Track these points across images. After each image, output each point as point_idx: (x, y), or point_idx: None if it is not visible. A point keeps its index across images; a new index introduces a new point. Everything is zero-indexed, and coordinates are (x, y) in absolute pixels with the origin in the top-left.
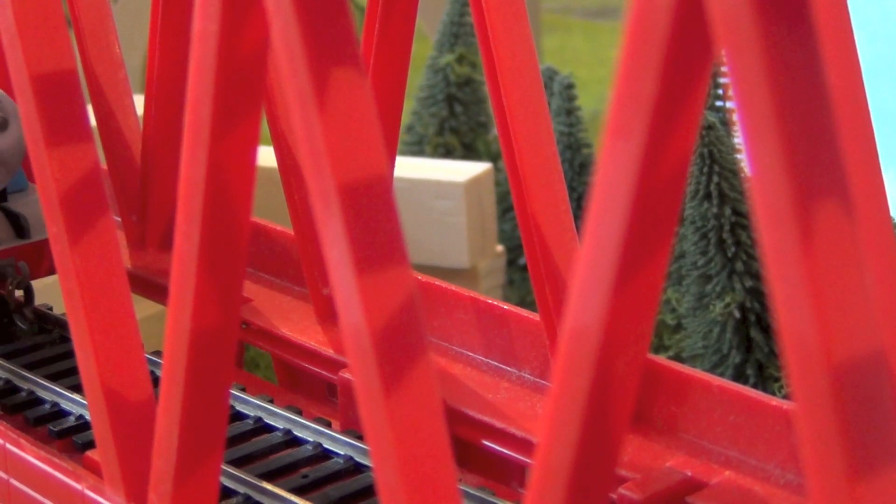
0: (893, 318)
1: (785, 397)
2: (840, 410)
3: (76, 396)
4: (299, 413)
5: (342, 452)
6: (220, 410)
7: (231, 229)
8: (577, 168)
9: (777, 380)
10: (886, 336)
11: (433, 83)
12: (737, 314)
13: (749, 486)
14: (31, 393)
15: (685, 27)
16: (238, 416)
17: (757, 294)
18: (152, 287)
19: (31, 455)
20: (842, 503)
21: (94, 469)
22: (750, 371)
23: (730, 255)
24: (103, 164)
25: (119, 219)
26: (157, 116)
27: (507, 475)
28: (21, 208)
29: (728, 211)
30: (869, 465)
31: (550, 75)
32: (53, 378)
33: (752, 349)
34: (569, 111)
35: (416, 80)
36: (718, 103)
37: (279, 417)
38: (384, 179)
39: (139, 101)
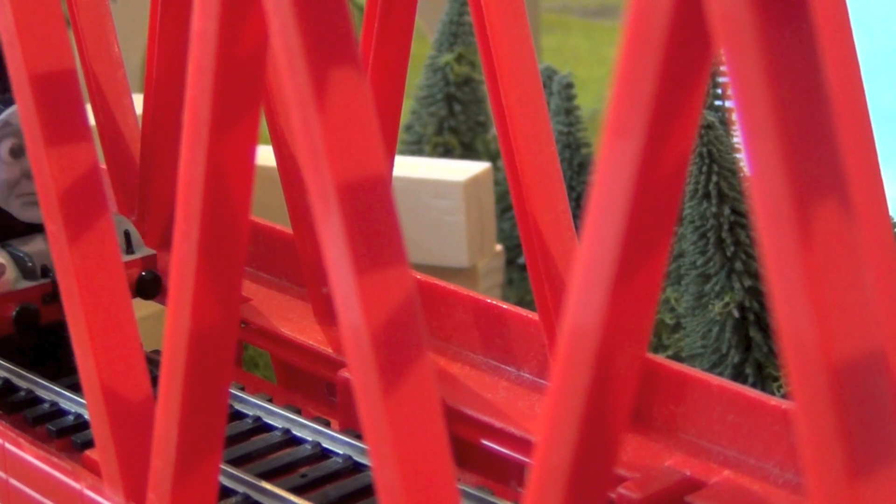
0: (893, 317)
1: (784, 397)
2: (839, 410)
3: (75, 395)
4: (298, 412)
5: (341, 452)
6: (219, 410)
7: (230, 229)
8: (576, 167)
9: (776, 379)
10: (886, 335)
11: (432, 82)
12: (736, 313)
13: (748, 486)
14: (30, 392)
15: (684, 26)
16: (237, 416)
17: (756, 293)
18: None
19: (29, 454)
20: (841, 502)
21: (93, 468)
22: (749, 370)
23: (729, 254)
24: (102, 164)
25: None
26: (156, 116)
27: (505, 474)
28: None
29: (727, 210)
30: (868, 464)
31: (549, 74)
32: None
33: (751, 348)
34: (568, 110)
35: (415, 79)
36: (717, 102)
37: (278, 417)
38: (383, 179)
39: (138, 101)
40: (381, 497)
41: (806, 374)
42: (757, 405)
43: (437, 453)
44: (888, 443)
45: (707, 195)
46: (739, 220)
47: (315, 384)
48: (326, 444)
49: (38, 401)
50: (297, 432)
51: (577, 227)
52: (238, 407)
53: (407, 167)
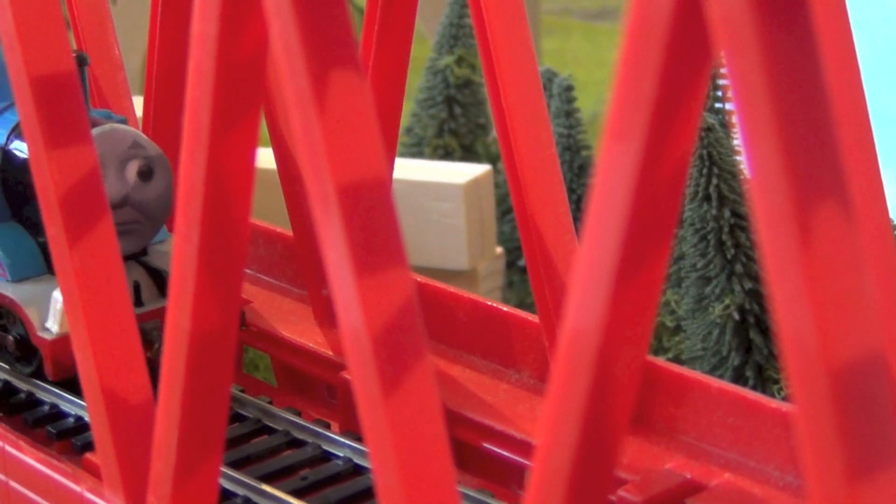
0: (893, 318)
1: (784, 399)
2: (839, 412)
3: (75, 398)
4: (299, 415)
5: (342, 454)
6: (219, 412)
7: (230, 231)
8: (577, 170)
9: (776, 382)
10: (886, 337)
11: (432, 85)
12: (736, 316)
13: (748, 488)
14: (31, 394)
15: (684, 29)
16: (237, 418)
17: (756, 296)
18: None
19: (29, 457)
20: None
21: (93, 471)
22: (749, 373)
23: (729, 256)
24: None
25: None
26: (156, 118)
27: (506, 477)
28: (164, 264)
29: (727, 213)
30: (868, 466)
31: (549, 77)
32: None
33: (752, 351)
34: (568, 113)
35: (416, 81)
36: (718, 105)
37: (278, 419)
38: (383, 181)
39: (138, 103)
40: (382, 499)
41: (806, 377)
42: (757, 408)
43: (438, 456)
44: (888, 445)
45: (707, 197)
46: (740, 223)
47: (315, 386)
48: (327, 447)
49: (38, 403)
50: (297, 434)
51: (577, 230)
52: (238, 409)
53: (407, 169)
